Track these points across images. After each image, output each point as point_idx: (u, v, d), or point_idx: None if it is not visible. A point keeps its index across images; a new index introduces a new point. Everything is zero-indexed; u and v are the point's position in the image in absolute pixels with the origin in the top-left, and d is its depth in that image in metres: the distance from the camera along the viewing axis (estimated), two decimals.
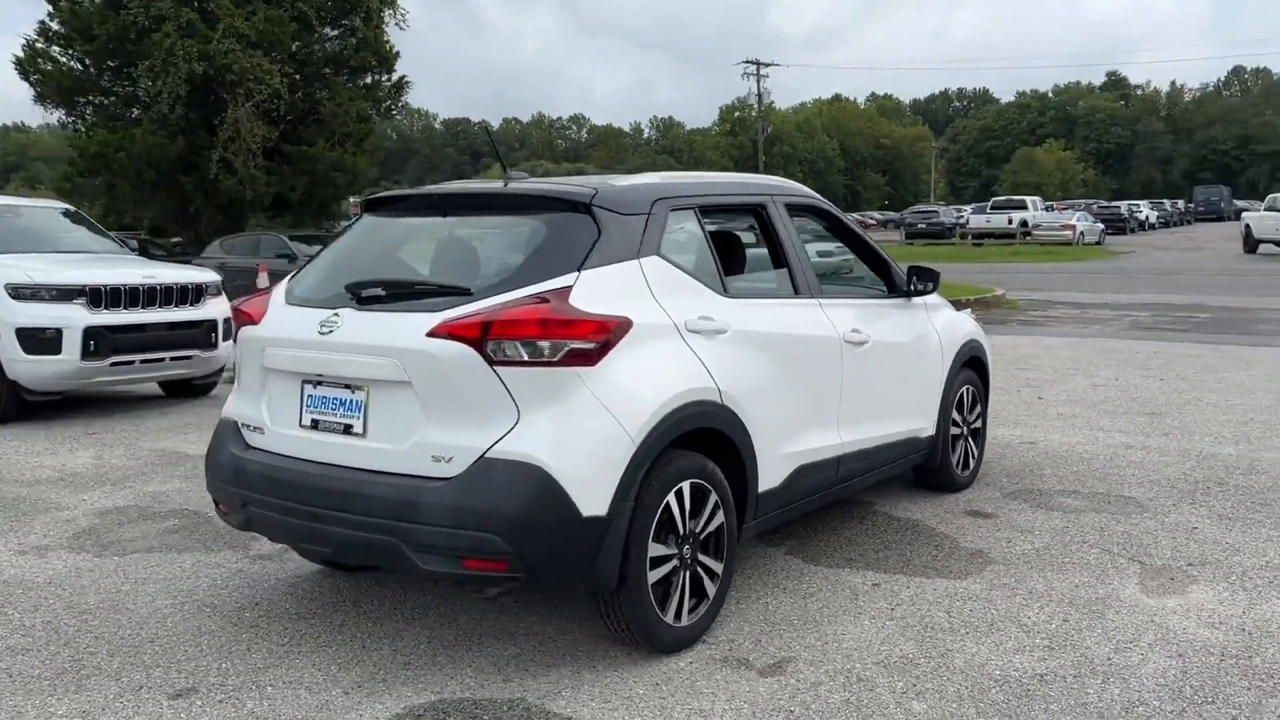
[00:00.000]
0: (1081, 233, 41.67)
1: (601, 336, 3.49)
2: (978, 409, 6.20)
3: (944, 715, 3.31)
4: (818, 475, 4.58)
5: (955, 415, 5.87)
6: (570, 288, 3.54)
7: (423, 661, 3.78)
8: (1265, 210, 36.65)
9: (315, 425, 3.78)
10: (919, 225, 46.01)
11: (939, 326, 5.74)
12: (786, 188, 5.01)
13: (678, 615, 3.78)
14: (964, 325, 6.07)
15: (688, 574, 3.82)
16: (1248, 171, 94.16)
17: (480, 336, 3.41)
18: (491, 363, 3.40)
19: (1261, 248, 35.51)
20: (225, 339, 9.42)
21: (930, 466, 5.74)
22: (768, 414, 4.16)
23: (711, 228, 4.37)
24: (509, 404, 3.40)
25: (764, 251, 4.77)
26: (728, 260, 4.35)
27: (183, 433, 8.07)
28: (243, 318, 4.10)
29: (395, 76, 25.96)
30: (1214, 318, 16.07)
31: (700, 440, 3.84)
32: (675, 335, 3.79)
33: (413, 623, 4.15)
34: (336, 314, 3.73)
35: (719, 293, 4.13)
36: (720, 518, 3.93)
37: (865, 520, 5.48)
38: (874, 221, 66.32)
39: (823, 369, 4.63)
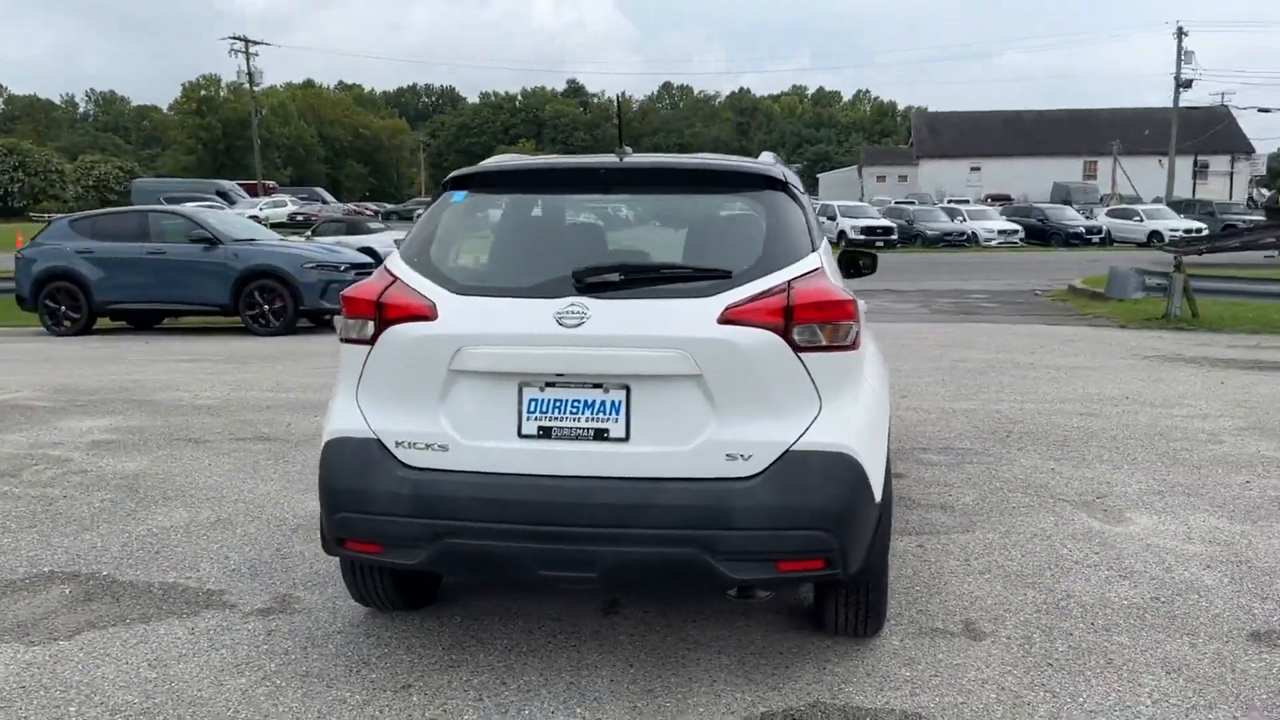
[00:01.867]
0: None
1: (857, 318, 3.43)
2: None
3: (1148, 643, 3.75)
4: None
5: None
6: (820, 269, 3.42)
7: (665, 688, 3.42)
8: None
9: (546, 433, 3.22)
10: None
11: None
12: None
13: None
14: None
15: None
16: None
17: (785, 321, 3.18)
18: (797, 349, 3.19)
19: None
20: None
21: None
22: None
23: None
24: (811, 392, 3.22)
25: None
26: None
27: None
28: (398, 312, 3.32)
29: None
30: None
31: None
32: (862, 316, 3.81)
33: (579, 650, 3.69)
34: (579, 304, 3.21)
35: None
36: None
37: None
38: (370, 211, 65.20)
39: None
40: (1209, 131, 63.34)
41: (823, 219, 39.84)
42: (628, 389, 3.20)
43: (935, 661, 3.60)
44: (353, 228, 25.75)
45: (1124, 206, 43.32)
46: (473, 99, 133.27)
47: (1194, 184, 62.69)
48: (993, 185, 65.46)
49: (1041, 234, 40.04)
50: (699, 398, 3.17)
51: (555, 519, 3.15)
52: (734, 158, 3.93)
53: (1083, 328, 14.50)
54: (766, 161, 3.90)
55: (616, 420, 3.20)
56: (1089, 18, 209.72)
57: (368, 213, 60.49)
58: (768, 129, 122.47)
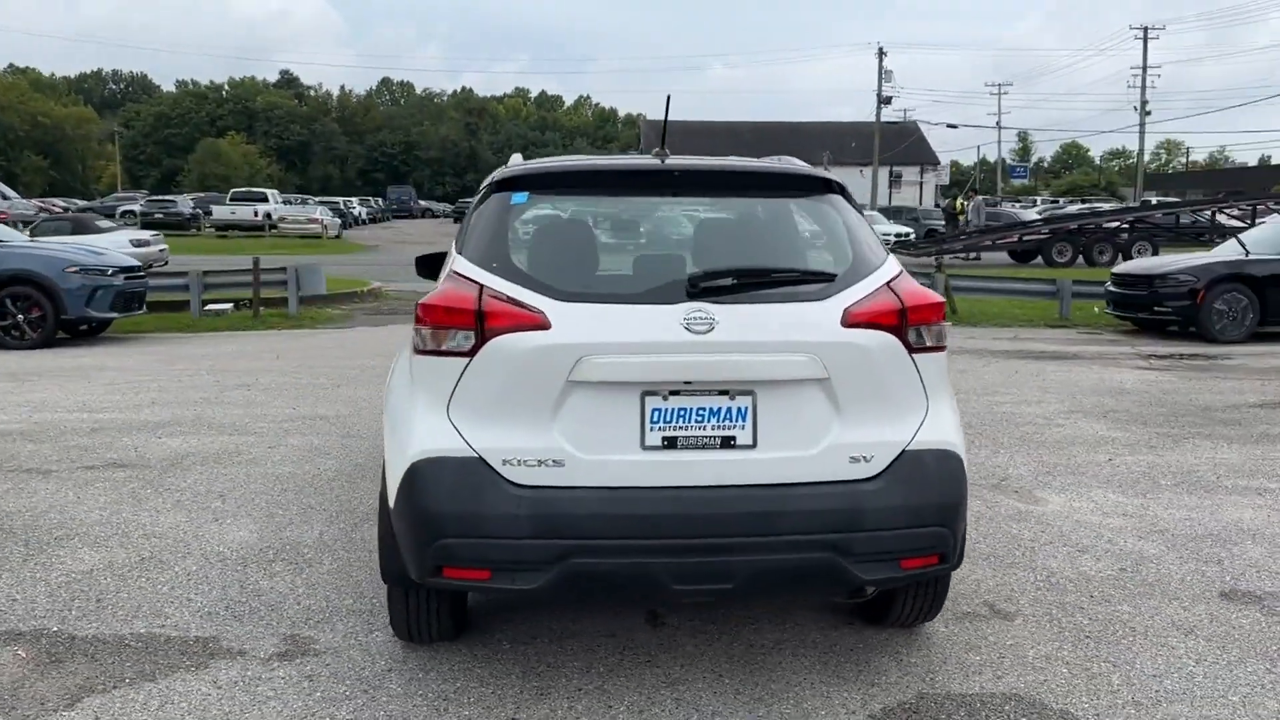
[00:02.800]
0: (325, 225, 43.10)
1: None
2: None
3: (1150, 610, 4.13)
4: None
5: None
6: (903, 271, 3.51)
7: (771, 694, 3.39)
8: None
9: (671, 444, 3.11)
10: (156, 215, 42.82)
11: None
12: None
13: None
14: None
15: None
16: (414, 173, 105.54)
17: (900, 323, 3.25)
18: (910, 350, 3.27)
19: None
20: None
21: None
22: None
23: None
24: (920, 392, 3.30)
25: None
26: None
27: None
28: (505, 321, 3.08)
29: None
30: None
31: None
32: None
33: (657, 664, 3.58)
34: (704, 310, 3.11)
35: None
36: None
37: None
38: (59, 208, 58.71)
39: None
40: (902, 144, 69.67)
41: None
42: (754, 394, 3.15)
43: (992, 644, 3.80)
44: (79, 226, 23.17)
45: None
46: (168, 87, 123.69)
47: (890, 192, 68.66)
48: None
49: None
50: (823, 401, 3.18)
51: (689, 531, 3.05)
52: (768, 161, 3.93)
53: None
54: (807, 166, 3.94)
55: (743, 427, 3.15)
56: (798, 36, 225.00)
57: (57, 209, 54.67)
58: (493, 129, 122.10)
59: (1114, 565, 4.66)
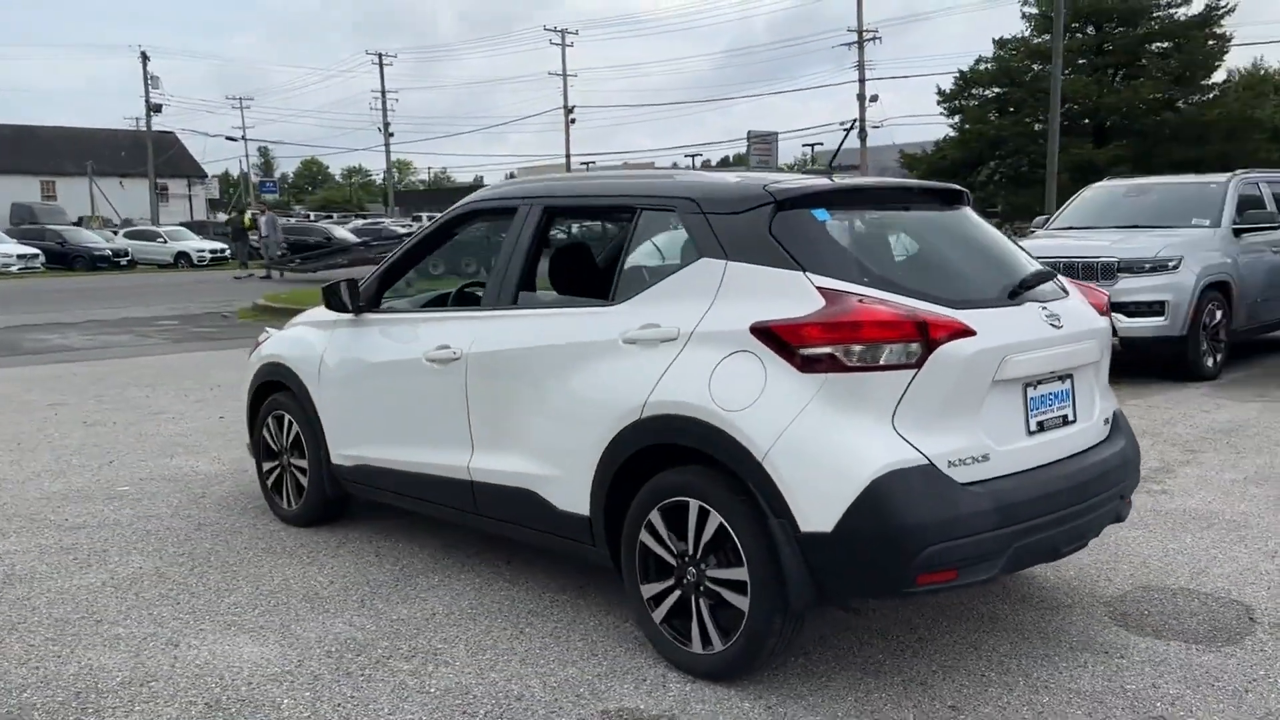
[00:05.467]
0: None
1: None
2: None
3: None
4: None
5: None
6: None
7: (1055, 635, 3.93)
8: None
9: (1041, 427, 3.55)
10: None
11: None
12: None
13: None
14: None
15: None
16: None
17: (1106, 311, 4.05)
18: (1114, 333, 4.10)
19: None
20: None
21: None
22: None
23: None
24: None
25: None
26: None
27: None
28: (944, 331, 3.25)
29: None
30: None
31: None
32: None
33: (930, 637, 3.88)
34: (1049, 308, 3.64)
35: None
36: None
37: None
38: None
39: None
40: (163, 155, 65.67)
41: None
42: (1072, 377, 3.72)
43: (1145, 552, 4.72)
44: None
45: (146, 228, 43.14)
46: None
47: (156, 206, 64.36)
48: None
49: (63, 257, 37.40)
50: (1094, 377, 3.87)
51: (1074, 500, 3.53)
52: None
53: None
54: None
55: (1068, 405, 3.70)
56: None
57: None
58: None
59: None
